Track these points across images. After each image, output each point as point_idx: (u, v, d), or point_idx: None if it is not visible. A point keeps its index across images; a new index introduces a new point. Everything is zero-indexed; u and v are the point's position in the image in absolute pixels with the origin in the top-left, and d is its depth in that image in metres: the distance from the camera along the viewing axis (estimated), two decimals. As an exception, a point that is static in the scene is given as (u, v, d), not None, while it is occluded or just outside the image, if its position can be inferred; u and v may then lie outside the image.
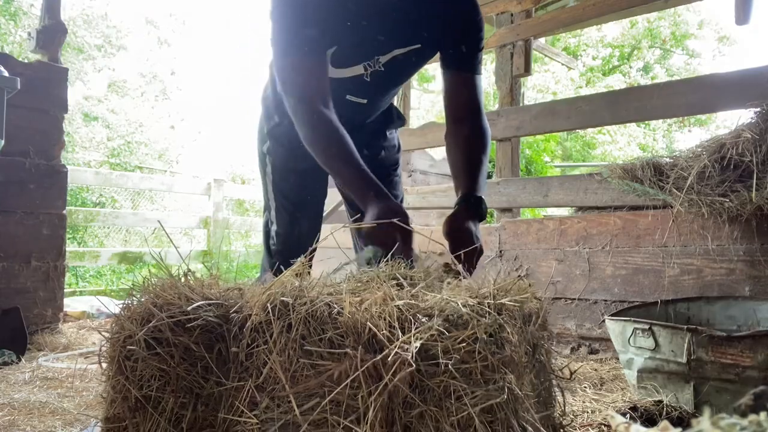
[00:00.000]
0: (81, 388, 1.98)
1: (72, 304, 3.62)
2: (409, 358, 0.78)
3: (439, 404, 0.82)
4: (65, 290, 3.14)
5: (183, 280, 1.00)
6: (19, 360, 2.42)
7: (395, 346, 0.79)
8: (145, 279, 1.00)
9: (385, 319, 0.83)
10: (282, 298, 0.88)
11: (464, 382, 0.82)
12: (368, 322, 0.82)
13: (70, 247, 5.42)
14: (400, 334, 0.81)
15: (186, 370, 0.91)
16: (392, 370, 0.79)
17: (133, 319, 0.94)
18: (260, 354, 0.88)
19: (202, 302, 0.93)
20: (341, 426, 0.81)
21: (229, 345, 0.93)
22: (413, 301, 0.88)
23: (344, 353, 0.82)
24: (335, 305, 0.86)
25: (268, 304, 0.88)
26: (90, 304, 3.73)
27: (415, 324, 0.83)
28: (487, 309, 0.88)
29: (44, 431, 1.55)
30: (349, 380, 0.80)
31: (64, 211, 3.04)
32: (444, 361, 0.81)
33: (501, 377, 0.84)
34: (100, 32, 12.67)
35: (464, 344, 0.83)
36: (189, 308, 0.91)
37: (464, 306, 0.87)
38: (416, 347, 0.79)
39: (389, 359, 0.79)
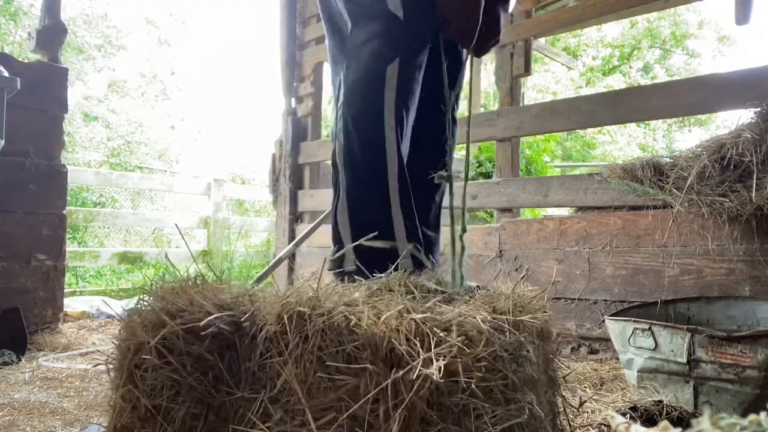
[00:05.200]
0: (81, 388, 1.98)
1: (72, 304, 3.61)
2: (435, 376, 0.77)
3: (458, 423, 0.80)
4: (65, 290, 3.14)
5: (192, 284, 0.98)
6: (19, 360, 2.42)
7: (418, 363, 0.78)
8: (154, 283, 0.98)
9: (402, 332, 0.82)
10: (299, 308, 0.86)
11: (484, 400, 0.81)
12: (388, 336, 0.81)
13: (70, 247, 5.42)
14: (420, 349, 0.80)
15: (197, 380, 0.89)
16: (414, 387, 0.78)
17: (144, 326, 0.92)
18: (274, 365, 0.86)
19: (218, 314, 0.91)
20: None
21: (241, 355, 0.90)
22: (431, 315, 0.86)
23: (363, 368, 0.80)
24: (353, 317, 0.84)
25: (284, 314, 0.86)
26: (90, 304, 3.73)
27: (433, 338, 0.81)
28: (507, 326, 0.87)
29: (44, 431, 1.55)
30: (370, 395, 0.79)
31: (64, 211, 3.04)
32: (465, 379, 0.79)
33: (522, 396, 0.83)
34: (100, 32, 12.67)
35: (484, 362, 0.82)
36: (203, 322, 0.89)
37: (483, 322, 0.85)
38: (440, 366, 0.77)
39: (412, 376, 0.78)
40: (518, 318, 0.90)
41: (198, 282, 0.99)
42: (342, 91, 1.46)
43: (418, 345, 0.81)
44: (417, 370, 0.78)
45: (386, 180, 1.36)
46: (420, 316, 0.84)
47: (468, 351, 0.82)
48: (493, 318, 0.88)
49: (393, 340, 0.81)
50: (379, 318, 0.83)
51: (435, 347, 0.80)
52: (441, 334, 0.83)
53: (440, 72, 1.43)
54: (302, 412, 0.82)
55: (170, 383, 0.89)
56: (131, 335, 0.93)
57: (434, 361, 0.78)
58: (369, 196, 1.39)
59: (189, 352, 0.89)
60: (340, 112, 1.46)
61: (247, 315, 0.91)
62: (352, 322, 0.83)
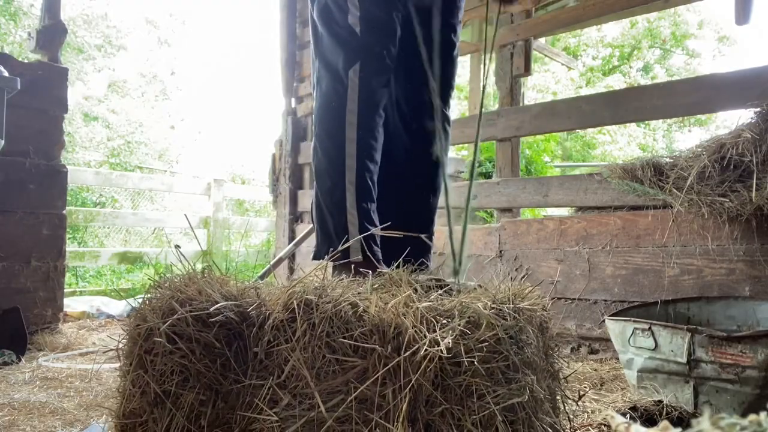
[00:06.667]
0: (81, 388, 1.98)
1: (72, 304, 3.61)
2: (443, 352, 0.79)
3: (461, 403, 0.83)
4: (65, 290, 3.14)
5: (201, 276, 1.01)
6: (19, 360, 2.42)
7: (424, 343, 0.80)
8: (163, 274, 1.01)
9: (408, 319, 0.84)
10: (306, 296, 0.89)
11: (486, 381, 0.83)
12: (395, 321, 0.83)
13: (70, 247, 5.42)
14: (426, 332, 0.83)
15: (206, 366, 0.91)
16: (420, 368, 0.80)
17: (155, 313, 0.94)
18: (282, 352, 0.88)
19: (225, 303, 0.93)
20: (369, 422, 0.81)
21: (248, 343, 0.93)
22: (434, 304, 0.89)
23: (372, 349, 0.82)
24: (360, 303, 0.87)
25: (294, 301, 0.88)
26: (90, 304, 3.73)
27: (438, 324, 0.84)
28: (508, 310, 0.90)
29: (44, 431, 1.54)
30: (378, 375, 0.81)
31: (64, 211, 3.04)
32: (468, 359, 0.82)
33: (522, 377, 0.86)
34: (100, 32, 12.67)
35: (486, 344, 0.84)
36: (212, 309, 0.91)
37: (485, 308, 0.88)
38: (449, 343, 0.80)
39: (419, 355, 0.80)
40: (518, 305, 0.93)
41: (206, 274, 1.01)
42: (316, 93, 1.61)
43: (425, 329, 0.83)
44: (423, 350, 0.80)
45: (344, 187, 1.51)
46: (425, 305, 0.87)
47: (470, 334, 0.84)
48: (494, 305, 0.91)
49: (403, 319, 0.83)
50: (386, 305, 0.86)
51: (440, 330, 0.83)
52: (444, 321, 0.85)
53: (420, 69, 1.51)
54: (310, 396, 0.83)
55: (179, 369, 0.91)
56: (142, 321, 0.95)
57: (440, 342, 0.80)
58: (329, 198, 1.54)
59: (198, 338, 0.91)
60: (314, 116, 1.61)
61: (254, 305, 0.93)
62: (360, 309, 0.86)
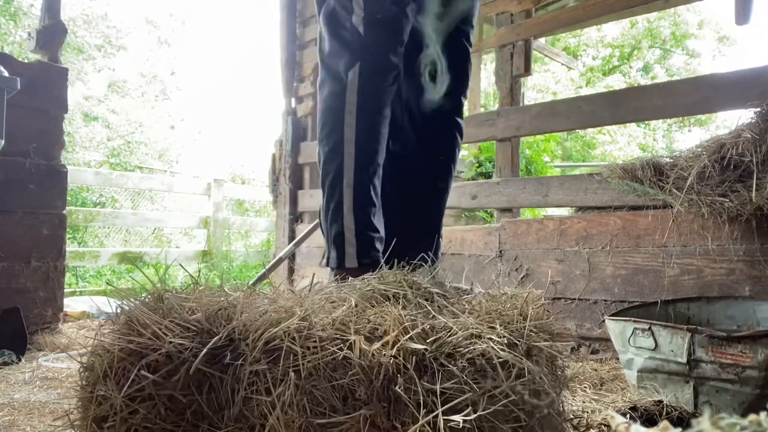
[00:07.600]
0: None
1: (72, 304, 3.61)
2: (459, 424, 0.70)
3: None
4: (65, 290, 3.14)
5: (156, 305, 0.86)
6: (19, 360, 2.42)
7: (418, 426, 0.71)
8: (114, 315, 0.88)
9: (401, 368, 0.76)
10: (288, 344, 0.78)
11: None
12: (384, 374, 0.75)
13: (70, 247, 5.42)
14: (432, 400, 0.73)
15: (174, 423, 0.79)
16: None
17: (106, 375, 0.80)
18: (261, 404, 0.78)
19: (188, 344, 0.80)
20: None
21: (223, 384, 0.80)
22: (434, 337, 0.79)
23: (359, 407, 0.74)
24: (346, 349, 0.77)
25: (270, 347, 0.78)
26: (90, 304, 3.72)
27: (438, 375, 0.75)
28: (520, 354, 0.80)
29: (44, 431, 1.54)
30: None
31: (64, 211, 3.04)
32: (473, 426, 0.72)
33: None
34: (100, 32, 12.67)
35: (494, 398, 0.74)
36: (177, 361, 0.78)
37: (493, 342, 0.78)
38: (459, 423, 0.71)
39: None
40: (534, 343, 0.84)
41: (164, 302, 0.87)
42: (318, 97, 1.61)
43: (419, 387, 0.74)
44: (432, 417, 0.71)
45: (341, 190, 1.50)
46: (421, 347, 0.77)
47: (475, 385, 0.75)
48: (506, 342, 0.81)
49: (391, 370, 0.75)
50: (371, 344, 0.77)
51: (440, 387, 0.73)
52: (444, 361, 0.77)
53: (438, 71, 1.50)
54: None
55: (144, 430, 0.79)
56: (92, 383, 0.82)
57: (440, 417, 0.71)
58: (330, 202, 1.54)
59: (159, 394, 0.78)
60: (317, 118, 1.61)
61: (227, 346, 0.82)
62: (342, 355, 0.77)
